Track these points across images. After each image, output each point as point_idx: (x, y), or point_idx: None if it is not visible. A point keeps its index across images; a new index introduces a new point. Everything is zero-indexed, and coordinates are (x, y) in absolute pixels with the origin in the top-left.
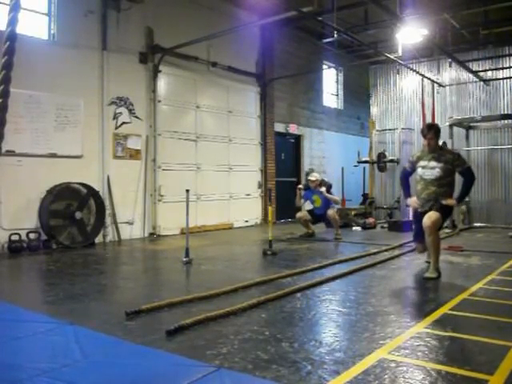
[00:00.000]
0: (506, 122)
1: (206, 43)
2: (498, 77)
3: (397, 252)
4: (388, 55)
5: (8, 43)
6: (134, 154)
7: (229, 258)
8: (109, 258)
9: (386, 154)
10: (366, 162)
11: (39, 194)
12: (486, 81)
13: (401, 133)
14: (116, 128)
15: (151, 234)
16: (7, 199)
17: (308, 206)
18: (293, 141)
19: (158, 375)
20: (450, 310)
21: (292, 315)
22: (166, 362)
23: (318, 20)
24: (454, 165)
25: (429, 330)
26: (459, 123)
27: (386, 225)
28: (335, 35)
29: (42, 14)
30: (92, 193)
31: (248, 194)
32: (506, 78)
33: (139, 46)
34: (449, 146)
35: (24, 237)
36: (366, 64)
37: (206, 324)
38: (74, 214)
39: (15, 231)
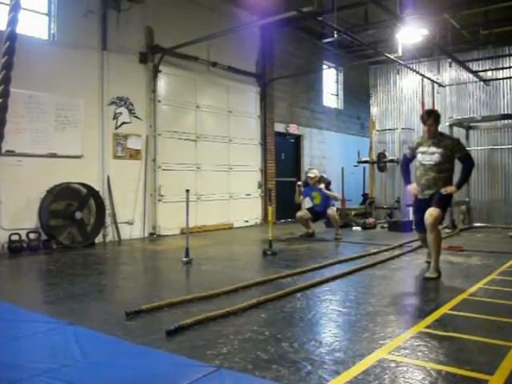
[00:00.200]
0: (506, 122)
1: (206, 43)
2: (498, 77)
3: (397, 252)
4: (388, 55)
5: (8, 43)
6: (134, 154)
7: (229, 258)
8: (109, 258)
9: (386, 153)
10: (365, 161)
11: (39, 194)
12: (486, 81)
13: (401, 133)
14: (116, 128)
15: (151, 234)
16: (7, 199)
17: (308, 203)
18: (293, 141)
19: (158, 375)
20: (450, 309)
21: (292, 315)
22: (166, 362)
23: (318, 20)
24: (454, 150)
25: (429, 330)
26: (459, 123)
27: (385, 225)
28: (335, 35)
29: (42, 14)
30: (92, 193)
31: (248, 194)
32: (506, 78)
33: (139, 46)
34: None
35: (24, 237)
36: (366, 64)
37: (206, 324)
38: (74, 213)
39: (15, 231)
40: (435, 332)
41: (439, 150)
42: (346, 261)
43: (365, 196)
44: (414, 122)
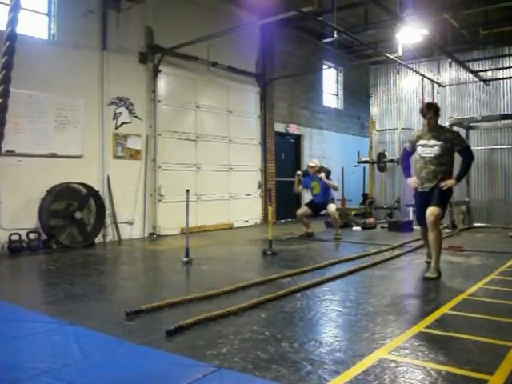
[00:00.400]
0: (506, 122)
1: (206, 43)
2: (498, 77)
3: (397, 252)
4: (388, 55)
5: (8, 43)
6: (134, 154)
7: (229, 258)
8: (109, 258)
9: (386, 153)
10: (366, 161)
11: (39, 194)
12: (486, 81)
13: (401, 133)
14: (116, 128)
15: (151, 234)
16: (7, 199)
17: (307, 198)
18: (293, 141)
19: (158, 375)
20: (450, 309)
21: (292, 315)
22: (166, 362)
23: (318, 20)
24: (454, 143)
25: (429, 330)
26: (459, 123)
27: (386, 225)
28: (335, 35)
29: (42, 14)
30: (92, 193)
31: (248, 194)
32: (506, 78)
33: (139, 46)
34: None
35: (24, 237)
36: (366, 64)
37: (206, 324)
38: (74, 214)
39: (15, 231)
40: (435, 332)
41: (439, 143)
42: (345, 261)
43: (365, 196)
44: (413, 121)
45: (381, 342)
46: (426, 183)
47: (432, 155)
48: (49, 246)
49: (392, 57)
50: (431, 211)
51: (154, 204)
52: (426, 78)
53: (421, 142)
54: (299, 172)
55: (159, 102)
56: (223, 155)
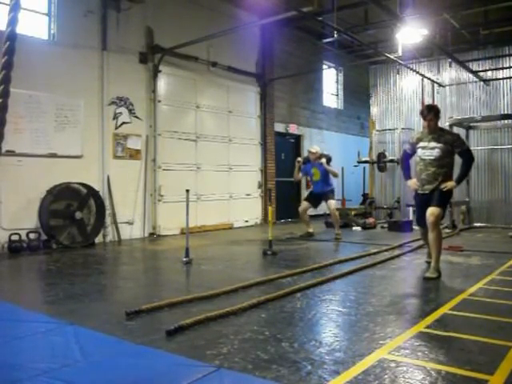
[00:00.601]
0: (506, 122)
1: (206, 43)
2: (498, 77)
3: (397, 252)
4: (388, 55)
5: (8, 43)
6: (134, 154)
7: (229, 258)
8: (109, 258)
9: (386, 153)
10: (366, 161)
11: (39, 194)
12: (486, 81)
13: (401, 133)
14: (116, 128)
15: (151, 234)
16: (7, 199)
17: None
18: (293, 141)
19: (158, 375)
20: (450, 309)
21: (292, 315)
22: (166, 362)
23: (318, 20)
24: (454, 145)
25: (429, 330)
26: (459, 123)
27: (385, 225)
28: (335, 35)
29: (42, 14)
30: (92, 193)
31: (248, 194)
32: (506, 78)
33: (139, 45)
34: None
35: (24, 237)
36: (366, 64)
37: (206, 324)
38: (74, 213)
39: (15, 231)
40: (435, 332)
41: (439, 145)
42: (345, 261)
43: (365, 196)
44: (413, 121)
45: (381, 342)
46: (427, 185)
47: (432, 157)
48: (49, 246)
49: (392, 57)
50: (431, 211)
51: (154, 204)
52: (426, 77)
53: (421, 144)
54: (299, 159)
55: (159, 102)
56: (223, 155)
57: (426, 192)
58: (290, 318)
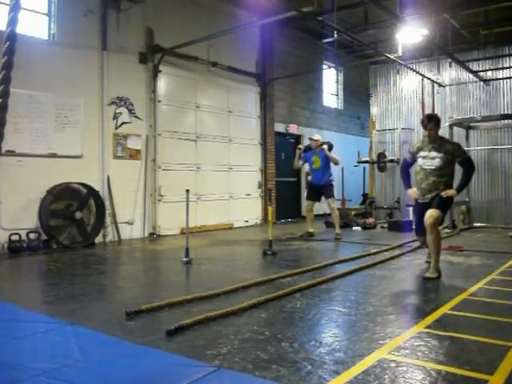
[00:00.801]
0: (506, 122)
1: (206, 43)
2: (498, 77)
3: (397, 252)
4: (388, 55)
5: (8, 43)
6: (134, 154)
7: (229, 258)
8: (109, 258)
9: (386, 153)
10: (366, 161)
11: (39, 194)
12: (486, 81)
13: (401, 133)
14: (116, 128)
15: (151, 234)
16: (7, 199)
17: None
18: (293, 141)
19: (158, 375)
20: (450, 309)
21: (292, 315)
22: (165, 362)
23: (318, 20)
24: (454, 155)
25: (429, 330)
26: (459, 123)
27: (385, 225)
28: (335, 35)
29: (42, 14)
30: (92, 193)
31: (248, 194)
32: (506, 78)
33: (139, 46)
34: None
35: (24, 237)
36: (366, 64)
37: (206, 324)
38: (74, 213)
39: (15, 231)
40: (435, 332)
41: (440, 155)
42: (345, 261)
43: (365, 196)
44: (413, 121)
45: (381, 342)
46: (427, 194)
47: (433, 167)
48: (49, 246)
49: (392, 57)
50: (430, 213)
51: (154, 204)
52: (426, 77)
53: (421, 153)
54: (300, 146)
55: (159, 102)
56: (223, 155)
57: (427, 201)
58: (289, 318)
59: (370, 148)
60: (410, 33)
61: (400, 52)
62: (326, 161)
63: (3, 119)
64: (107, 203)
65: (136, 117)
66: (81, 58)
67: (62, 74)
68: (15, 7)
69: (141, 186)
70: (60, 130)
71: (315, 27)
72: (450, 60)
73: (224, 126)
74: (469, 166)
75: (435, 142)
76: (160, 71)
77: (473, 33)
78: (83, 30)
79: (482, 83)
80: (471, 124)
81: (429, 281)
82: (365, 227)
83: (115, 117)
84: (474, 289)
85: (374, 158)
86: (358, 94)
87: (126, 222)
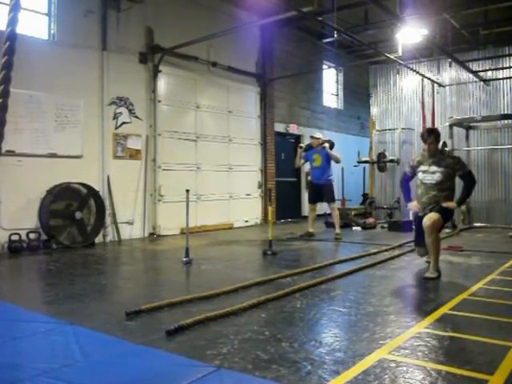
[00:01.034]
0: (506, 122)
1: (206, 43)
2: (498, 77)
3: (397, 252)
4: (388, 55)
5: (8, 43)
6: (134, 154)
7: (229, 258)
8: (109, 258)
9: (386, 153)
10: (366, 162)
11: (39, 194)
12: (486, 81)
13: (401, 133)
14: (116, 128)
15: (151, 234)
16: (7, 199)
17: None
18: (293, 141)
19: (158, 375)
20: (450, 309)
21: (292, 315)
22: (165, 362)
23: (318, 20)
24: (455, 169)
25: (429, 330)
26: (459, 123)
27: (385, 225)
28: (335, 35)
29: (42, 14)
30: (92, 193)
31: (248, 194)
32: (506, 78)
33: (139, 46)
34: (449, 146)
35: (24, 237)
36: (366, 64)
37: (206, 324)
38: (74, 213)
39: (15, 231)
40: (435, 332)
41: (440, 169)
42: (345, 261)
43: (365, 196)
44: (413, 121)
45: (381, 342)
46: (428, 207)
47: (433, 182)
48: (49, 246)
49: (392, 57)
50: (429, 216)
51: (154, 204)
52: (426, 77)
53: (421, 167)
54: (302, 145)
55: (159, 102)
56: (223, 155)
57: (427, 212)
58: (289, 318)
59: (370, 148)
60: (410, 33)
61: (400, 52)
62: (327, 159)
63: (3, 119)
64: (107, 203)
65: (136, 117)
66: (81, 58)
67: (61, 73)
68: (15, 7)
69: (141, 186)
70: (60, 130)
71: (315, 27)
72: (450, 60)
73: (224, 126)
74: (469, 180)
75: (435, 156)
76: (160, 71)
77: (473, 33)
78: (83, 30)
79: (481, 83)
80: (471, 124)
81: (429, 281)
82: (365, 227)
83: (115, 117)
84: (474, 289)
85: (374, 158)
86: (357, 94)
87: (126, 222)
